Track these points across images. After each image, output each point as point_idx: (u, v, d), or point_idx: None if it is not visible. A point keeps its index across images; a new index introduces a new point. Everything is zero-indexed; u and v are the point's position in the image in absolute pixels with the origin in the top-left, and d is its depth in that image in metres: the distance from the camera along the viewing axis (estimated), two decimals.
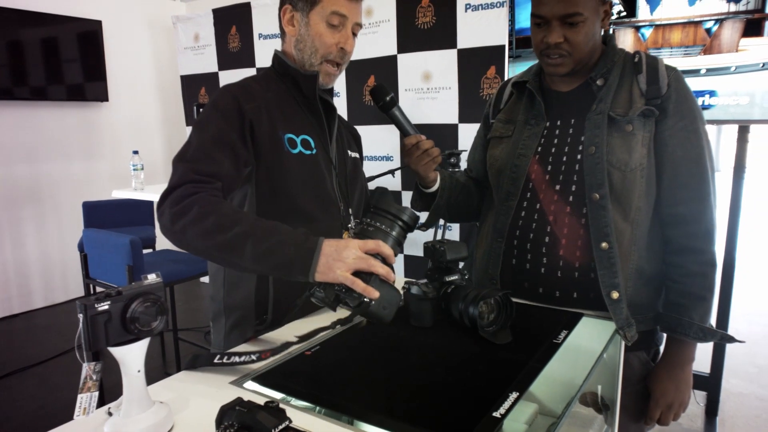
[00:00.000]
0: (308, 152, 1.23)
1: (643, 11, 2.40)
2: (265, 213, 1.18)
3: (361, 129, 1.57)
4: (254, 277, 1.21)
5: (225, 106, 1.16)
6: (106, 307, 0.70)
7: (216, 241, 0.99)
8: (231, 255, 0.99)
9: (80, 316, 0.68)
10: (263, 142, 1.17)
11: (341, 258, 0.93)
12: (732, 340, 1.23)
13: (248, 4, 3.92)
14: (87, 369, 0.71)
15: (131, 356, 0.73)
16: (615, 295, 1.17)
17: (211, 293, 1.32)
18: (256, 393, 0.85)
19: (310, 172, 1.23)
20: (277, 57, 1.29)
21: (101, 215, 3.77)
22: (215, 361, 0.94)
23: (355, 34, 1.26)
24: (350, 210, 1.29)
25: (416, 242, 2.99)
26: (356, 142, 1.46)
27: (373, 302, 0.93)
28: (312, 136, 1.26)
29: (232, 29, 4.06)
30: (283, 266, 0.96)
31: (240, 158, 1.14)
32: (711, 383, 2.62)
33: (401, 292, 1.02)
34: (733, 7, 2.21)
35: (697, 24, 2.29)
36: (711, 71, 2.25)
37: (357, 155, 1.41)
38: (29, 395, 2.95)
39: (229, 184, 1.12)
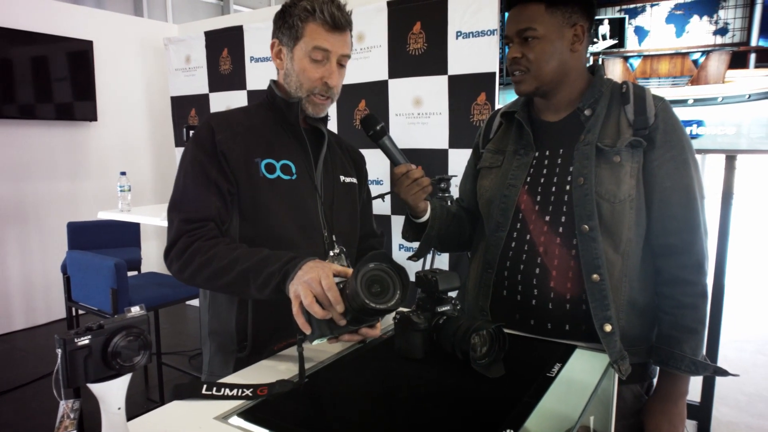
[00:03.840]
0: (287, 177, 1.24)
1: (631, 42, 2.44)
2: (247, 235, 1.21)
3: None
4: (235, 305, 1.23)
5: (203, 141, 1.21)
6: (87, 341, 0.68)
7: (222, 282, 1.11)
8: (238, 290, 1.11)
9: (59, 351, 0.66)
10: (238, 168, 1.20)
11: (300, 278, 1.00)
12: (725, 373, 1.21)
13: (240, 27, 3.93)
14: (64, 407, 0.68)
15: (111, 393, 0.70)
16: (608, 327, 1.15)
17: (200, 317, 1.37)
18: (242, 429, 0.82)
19: (289, 197, 1.24)
20: (270, 87, 1.31)
21: (86, 236, 3.71)
22: (204, 392, 0.92)
23: (342, 65, 1.26)
24: (334, 237, 1.28)
25: (407, 270, 2.96)
26: (357, 166, 1.45)
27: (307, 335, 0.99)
28: (294, 161, 1.26)
29: (224, 51, 4.06)
30: (279, 291, 1.03)
31: (224, 190, 1.19)
32: (701, 412, 2.60)
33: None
34: (719, 40, 2.25)
35: (684, 55, 2.33)
36: (698, 101, 2.28)
37: (353, 180, 1.40)
38: (5, 422, 2.86)
39: (221, 219, 1.20)
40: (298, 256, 1.05)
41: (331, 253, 1.25)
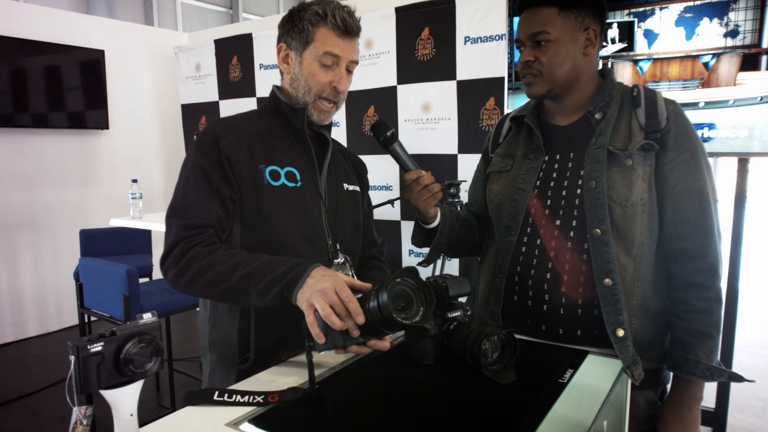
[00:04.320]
0: (292, 184, 1.22)
1: (641, 45, 2.43)
2: (249, 243, 1.19)
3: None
4: (237, 316, 1.21)
5: (206, 147, 1.19)
6: (99, 348, 0.68)
7: (220, 289, 1.08)
8: (237, 297, 1.09)
9: (72, 358, 0.66)
10: (242, 175, 1.18)
11: (311, 286, 0.99)
12: (741, 379, 1.20)
13: (249, 35, 3.96)
14: (77, 414, 0.68)
15: (124, 400, 0.71)
16: (620, 332, 1.14)
17: (200, 328, 1.33)
18: None
19: (294, 204, 1.22)
20: (273, 93, 1.30)
21: (98, 243, 3.74)
22: (215, 398, 0.92)
23: (350, 71, 1.25)
24: (338, 245, 1.27)
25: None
26: (359, 175, 1.43)
27: (318, 343, 0.98)
28: (298, 168, 1.25)
29: (234, 59, 4.09)
30: (282, 298, 1.03)
31: (226, 197, 1.17)
32: (716, 419, 2.56)
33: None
34: (730, 42, 2.23)
35: (694, 58, 2.31)
36: (710, 104, 2.27)
37: (357, 188, 1.39)
38: (18, 428, 2.88)
39: (221, 226, 1.17)
40: (303, 262, 1.04)
41: (336, 262, 1.25)
